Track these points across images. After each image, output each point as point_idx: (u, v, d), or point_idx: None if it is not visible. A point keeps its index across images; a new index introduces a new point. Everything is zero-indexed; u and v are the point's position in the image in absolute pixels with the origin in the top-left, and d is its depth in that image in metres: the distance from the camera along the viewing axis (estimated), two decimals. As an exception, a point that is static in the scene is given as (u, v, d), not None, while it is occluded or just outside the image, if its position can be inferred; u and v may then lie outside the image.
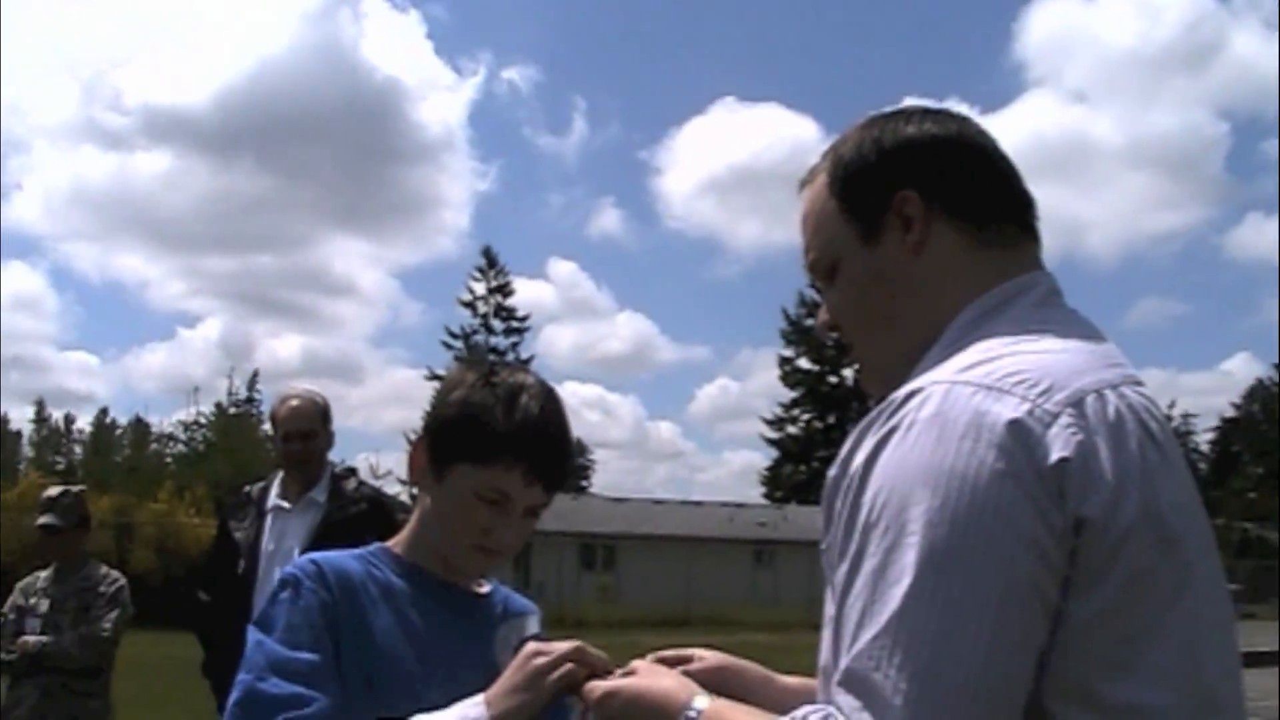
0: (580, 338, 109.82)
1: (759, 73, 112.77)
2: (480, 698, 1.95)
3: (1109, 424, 1.49)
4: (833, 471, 1.57)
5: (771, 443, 73.87)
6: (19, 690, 6.34)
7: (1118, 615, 1.44)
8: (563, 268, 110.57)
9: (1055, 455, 1.43)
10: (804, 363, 73.09)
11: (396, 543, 2.31)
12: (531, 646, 1.97)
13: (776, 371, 73.97)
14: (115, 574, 6.69)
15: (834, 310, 1.84)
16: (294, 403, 5.81)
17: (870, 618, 1.43)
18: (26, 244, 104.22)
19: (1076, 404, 1.48)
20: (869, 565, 1.45)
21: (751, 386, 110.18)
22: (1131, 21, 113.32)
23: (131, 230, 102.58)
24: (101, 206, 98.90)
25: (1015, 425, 1.44)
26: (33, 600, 6.49)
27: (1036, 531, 1.41)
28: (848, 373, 71.79)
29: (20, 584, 6.64)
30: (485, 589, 2.37)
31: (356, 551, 2.26)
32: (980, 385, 1.49)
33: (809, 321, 72.68)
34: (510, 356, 66.96)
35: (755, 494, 71.41)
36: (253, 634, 2.10)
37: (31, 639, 6.30)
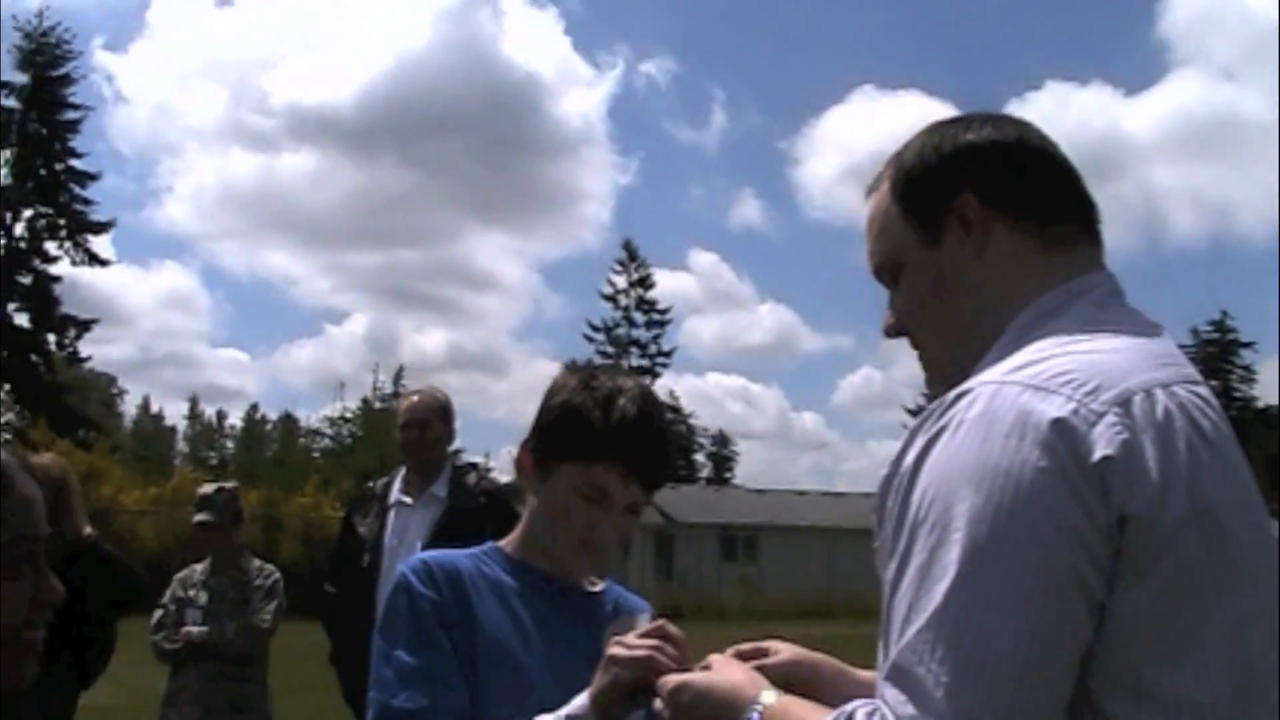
0: (722, 329, 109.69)
1: (898, 59, 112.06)
2: (587, 690, 2.03)
3: (1156, 423, 1.49)
4: (885, 471, 1.59)
5: (915, 432, 73.03)
6: (182, 678, 6.51)
7: (1165, 610, 1.44)
8: (704, 259, 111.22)
9: (1099, 453, 1.43)
10: (947, 351, 72.10)
11: (508, 542, 2.39)
12: (615, 639, 2.02)
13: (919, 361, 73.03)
14: (270, 567, 6.86)
15: (899, 313, 1.86)
16: (415, 397, 5.98)
17: (915, 613, 1.44)
18: (178, 244, 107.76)
19: (1123, 403, 1.48)
20: (916, 562, 1.47)
21: (896, 375, 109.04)
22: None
23: (278, 229, 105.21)
24: (249, 206, 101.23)
25: (1060, 424, 1.44)
26: (191, 592, 6.67)
27: (1079, 525, 1.41)
28: (992, 361, 70.81)
29: (178, 576, 6.83)
30: (598, 587, 2.44)
31: (469, 551, 2.35)
32: (1028, 385, 1.49)
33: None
34: (652, 349, 67.51)
35: (899, 484, 70.65)
36: (378, 644, 2.20)
37: (195, 629, 6.47)
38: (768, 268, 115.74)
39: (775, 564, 42.77)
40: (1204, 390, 1.60)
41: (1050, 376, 1.50)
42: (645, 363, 66.69)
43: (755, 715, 1.69)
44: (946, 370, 1.77)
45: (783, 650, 2.02)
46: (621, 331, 69.99)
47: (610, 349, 69.67)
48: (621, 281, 70.31)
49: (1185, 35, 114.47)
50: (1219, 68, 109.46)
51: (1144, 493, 1.43)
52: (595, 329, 69.96)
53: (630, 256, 70.81)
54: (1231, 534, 1.49)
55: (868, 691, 1.93)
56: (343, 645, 5.83)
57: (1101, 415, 1.46)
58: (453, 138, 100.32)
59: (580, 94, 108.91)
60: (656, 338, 69.17)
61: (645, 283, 70.54)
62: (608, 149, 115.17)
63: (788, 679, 1.82)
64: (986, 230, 1.73)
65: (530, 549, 2.36)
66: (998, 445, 1.45)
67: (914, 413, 71.64)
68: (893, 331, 1.88)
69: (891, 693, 1.44)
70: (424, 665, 2.14)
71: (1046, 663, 1.40)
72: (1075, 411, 1.46)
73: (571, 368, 2.40)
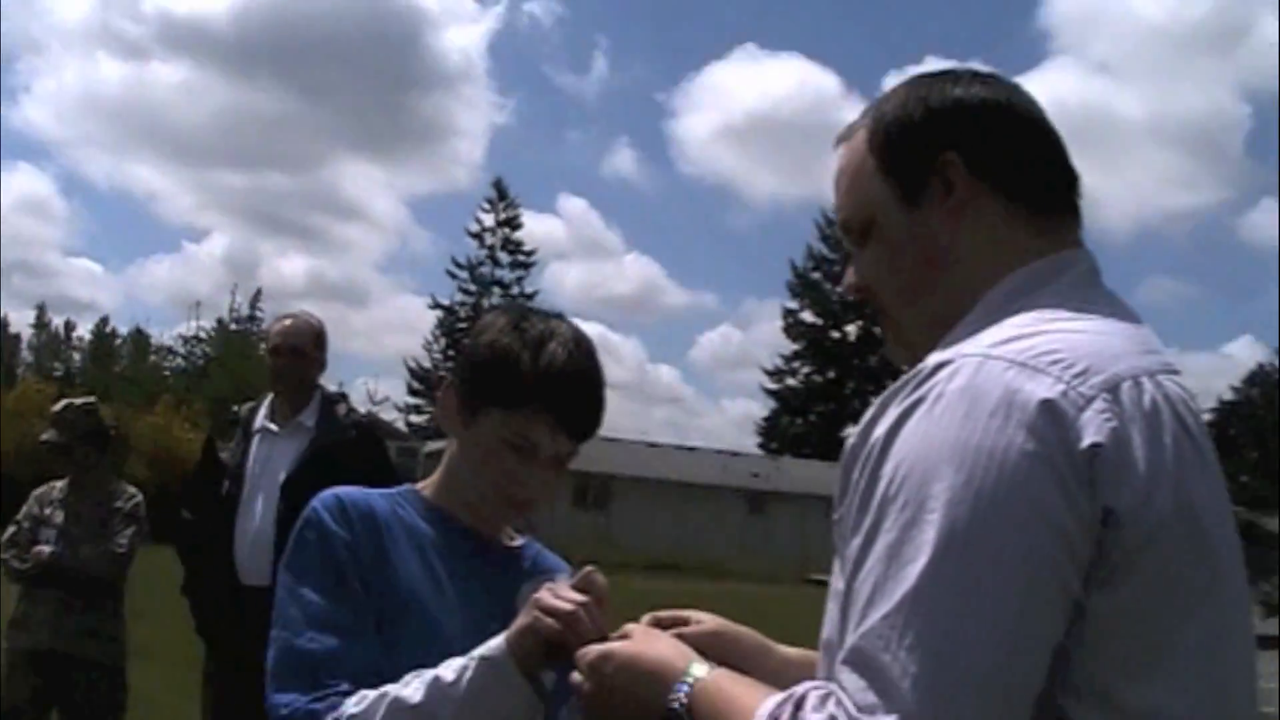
0: (587, 276, 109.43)
1: (782, 20, 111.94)
2: (503, 635, 1.92)
3: (1145, 413, 1.41)
4: (851, 440, 1.49)
5: (770, 394, 74.05)
6: (32, 602, 6.25)
7: (1142, 614, 1.36)
8: (573, 205, 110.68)
9: (1088, 440, 1.35)
10: (808, 316, 73.26)
11: (425, 485, 2.27)
12: (546, 586, 1.92)
13: (780, 323, 73.95)
14: (133, 490, 6.59)
15: (864, 273, 1.75)
16: (287, 321, 5.74)
17: (882, 596, 1.34)
18: (34, 147, 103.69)
19: (1112, 389, 1.40)
20: (884, 541, 1.36)
21: (754, 336, 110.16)
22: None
23: (143, 141, 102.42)
24: (113, 114, 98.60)
25: (1048, 406, 1.36)
26: (48, 511, 6.37)
27: (1064, 519, 1.33)
28: (850, 328, 72.07)
29: (35, 493, 6.53)
30: (517, 542, 2.32)
31: (383, 491, 2.23)
32: (1014, 361, 1.40)
33: (815, 275, 72.89)
34: (515, 290, 67.33)
35: (751, 443, 71.55)
36: (283, 580, 2.08)
37: (46, 549, 6.19)
38: (637, 219, 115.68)
39: (626, 515, 42.94)
40: (1184, 383, 1.52)
41: (1038, 354, 1.41)
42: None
43: (683, 691, 1.58)
44: (912, 338, 1.68)
45: (705, 620, 1.92)
46: (486, 270, 69.92)
47: (473, 287, 69.53)
48: (489, 220, 70.26)
49: (1066, 25, 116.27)
50: (1094, 61, 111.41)
51: (1131, 486, 1.35)
52: (459, 266, 69.87)
53: (500, 196, 70.72)
54: (1212, 537, 1.42)
55: (794, 669, 1.85)
56: (197, 575, 5.62)
57: (1091, 400, 1.37)
58: (330, 63, 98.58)
59: (462, 28, 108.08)
60: (520, 279, 69.08)
61: (513, 223, 70.54)
62: (485, 86, 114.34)
63: (708, 652, 1.70)
64: (968, 193, 1.62)
65: (449, 496, 2.23)
66: (981, 423, 1.35)
67: (771, 373, 73.01)
68: (854, 292, 1.77)
69: (850, 678, 1.33)
70: (333, 609, 2.01)
71: (1021, 661, 1.31)
72: (1064, 394, 1.37)
73: (502, 307, 2.26)
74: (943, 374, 1.41)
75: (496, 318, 2.19)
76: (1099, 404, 1.37)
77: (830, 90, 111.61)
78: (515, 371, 2.08)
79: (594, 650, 1.73)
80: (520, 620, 1.90)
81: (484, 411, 2.12)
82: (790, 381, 73.61)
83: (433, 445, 41.62)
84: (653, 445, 51.45)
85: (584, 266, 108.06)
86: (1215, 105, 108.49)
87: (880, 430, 1.43)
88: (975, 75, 1.71)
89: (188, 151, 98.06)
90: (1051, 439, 1.33)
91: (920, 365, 1.46)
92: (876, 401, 1.49)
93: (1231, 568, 1.46)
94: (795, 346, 73.48)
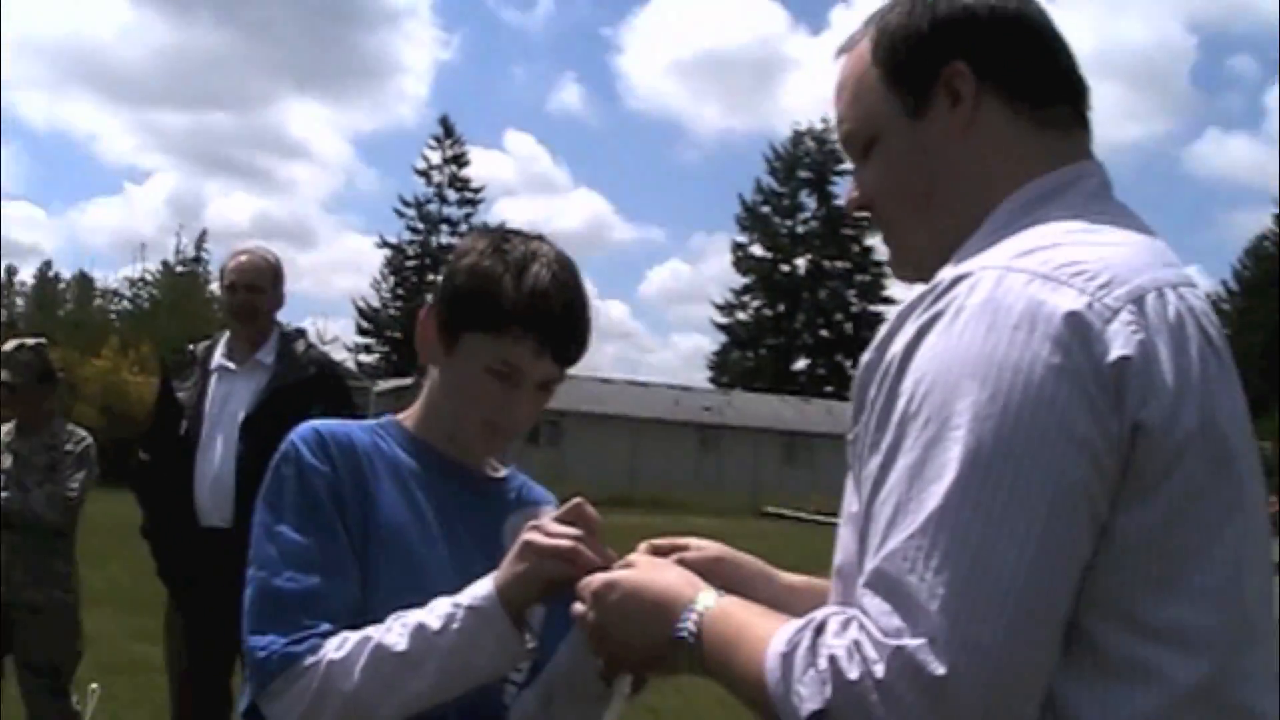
0: (535, 212, 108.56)
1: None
2: (490, 578, 1.86)
3: (1170, 325, 1.37)
4: (867, 356, 1.44)
5: (721, 328, 74.17)
6: None
7: (1168, 531, 1.33)
8: (521, 141, 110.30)
9: (1116, 353, 1.31)
10: (757, 250, 73.31)
11: (406, 416, 2.20)
12: (531, 524, 1.87)
13: (729, 257, 73.93)
14: (83, 433, 6.43)
15: (867, 188, 1.69)
16: (243, 257, 5.59)
17: (905, 516, 1.30)
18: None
19: (1137, 301, 1.36)
20: (906, 460, 1.32)
21: (704, 271, 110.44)
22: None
23: (82, 81, 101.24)
24: (50, 54, 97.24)
25: (1074, 318, 1.31)
26: (-5, 455, 6.23)
27: (1091, 435, 1.29)
28: (800, 261, 72.19)
29: None
30: (501, 473, 2.26)
31: (364, 423, 2.16)
32: (1036, 274, 1.35)
33: (765, 209, 72.79)
34: (463, 227, 66.80)
35: (702, 378, 71.71)
36: (260, 518, 1.99)
37: None
38: (584, 155, 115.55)
39: (579, 451, 42.90)
40: (1203, 296, 1.48)
41: (1059, 266, 1.36)
42: (455, 240, 65.81)
43: (692, 619, 1.53)
44: (919, 253, 1.63)
45: (706, 547, 1.87)
46: (433, 208, 69.59)
47: (421, 225, 69.17)
48: (436, 158, 69.90)
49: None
50: None
51: (1159, 401, 1.32)
52: (407, 204, 69.54)
53: (446, 133, 70.28)
54: (1236, 454, 1.39)
55: (797, 597, 1.80)
56: (157, 517, 5.52)
57: (1116, 312, 1.34)
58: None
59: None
60: (468, 216, 68.67)
61: (460, 160, 70.19)
62: (430, 22, 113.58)
63: (709, 579, 1.64)
64: (977, 104, 1.57)
65: (431, 427, 2.15)
66: (1005, 337, 1.30)
67: (721, 308, 73.09)
68: (855, 207, 1.71)
69: (873, 602, 1.29)
70: (313, 547, 1.93)
71: (1051, 582, 1.27)
72: (1089, 306, 1.33)
73: (482, 230, 2.18)
74: (962, 287, 1.36)
75: (476, 240, 2.12)
76: (1125, 316, 1.33)
77: (778, 23, 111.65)
78: (498, 294, 2.01)
79: (598, 579, 1.68)
80: (512, 566, 1.84)
81: (465, 337, 2.05)
82: (740, 315, 73.76)
83: (384, 384, 41.50)
84: (605, 381, 51.37)
85: (532, 202, 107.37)
86: (1161, 36, 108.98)
87: (898, 346, 1.38)
88: None
89: (128, 91, 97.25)
90: (1078, 352, 1.29)
91: (937, 279, 1.41)
92: (892, 316, 1.44)
93: (1254, 484, 1.43)
94: (745, 280, 73.60)
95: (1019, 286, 1.33)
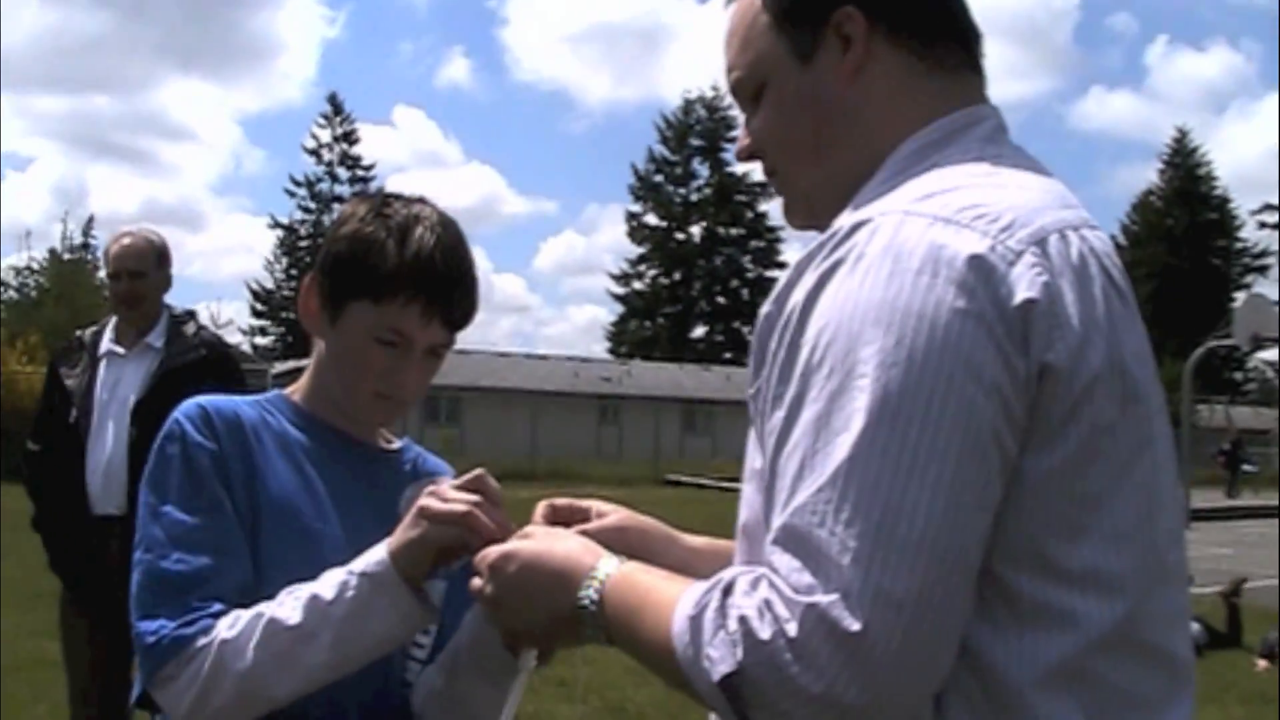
0: (426, 188, 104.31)
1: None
2: (383, 545, 1.82)
3: (1073, 267, 1.36)
4: (766, 308, 1.41)
5: (617, 298, 74.18)
6: None
7: (1077, 473, 1.32)
8: (410, 116, 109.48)
9: (1020, 296, 1.29)
10: (651, 219, 73.42)
11: (294, 390, 2.14)
12: (429, 489, 1.83)
13: (623, 227, 73.96)
14: None
15: (758, 135, 1.66)
16: (125, 240, 5.42)
17: (812, 469, 1.27)
18: None
19: (1040, 243, 1.34)
20: (810, 411, 1.29)
21: (598, 242, 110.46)
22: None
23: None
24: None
25: (977, 261, 1.29)
26: None
27: (999, 378, 1.27)
28: (695, 230, 72.34)
29: None
30: (395, 445, 2.21)
31: (250, 398, 2.09)
32: (937, 217, 1.33)
33: (657, 178, 72.82)
34: (355, 206, 66.08)
35: (600, 349, 71.70)
36: (145, 499, 1.92)
37: None
38: (474, 129, 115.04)
39: (478, 426, 42.68)
40: (1105, 237, 1.47)
41: (959, 209, 1.34)
42: (348, 221, 65.32)
43: (593, 588, 1.49)
44: (812, 200, 1.61)
45: (609, 513, 1.83)
46: (324, 187, 69.06)
47: (313, 205, 68.47)
48: (325, 136, 69.37)
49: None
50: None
51: (1065, 341, 1.30)
52: (297, 184, 68.97)
53: (335, 111, 69.79)
54: (1143, 393, 1.39)
55: (702, 560, 1.78)
56: (48, 508, 5.39)
57: (1019, 254, 1.32)
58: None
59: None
60: (360, 194, 67.80)
61: (350, 138, 69.79)
62: (315, 0, 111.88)
63: (615, 547, 1.60)
64: (867, 48, 1.55)
65: (320, 401, 2.10)
66: (908, 282, 1.28)
67: (616, 278, 73.10)
68: (746, 154, 1.69)
69: (783, 559, 1.26)
70: (200, 526, 1.87)
71: (964, 529, 1.25)
72: (992, 249, 1.31)
73: (360, 196, 2.12)
74: (861, 234, 1.34)
75: (356, 206, 2.06)
76: (1028, 258, 1.31)
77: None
78: (381, 260, 1.96)
79: (494, 551, 1.63)
80: (405, 531, 1.80)
81: (350, 306, 1.99)
82: (636, 285, 73.84)
83: (281, 366, 40.97)
84: (502, 355, 51.21)
85: (423, 178, 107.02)
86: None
87: (798, 296, 1.36)
88: None
89: (5, 76, 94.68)
90: (982, 295, 1.28)
91: (835, 226, 1.38)
92: (791, 266, 1.41)
93: (1161, 424, 1.42)
94: (640, 250, 73.66)
95: (920, 231, 1.31)
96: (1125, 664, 1.34)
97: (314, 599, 1.79)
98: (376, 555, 1.80)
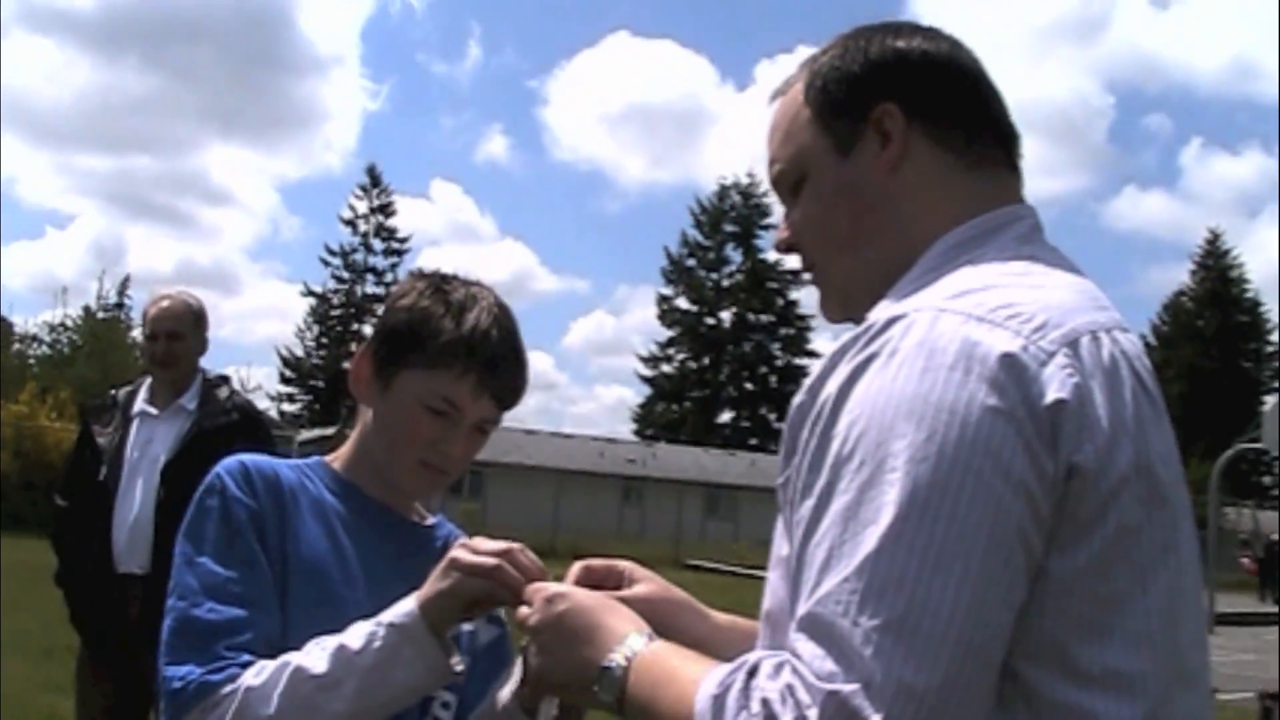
0: (460, 262, 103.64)
1: (654, 8, 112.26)
2: (412, 596, 1.85)
3: (1104, 368, 1.37)
4: (799, 399, 1.42)
5: (645, 380, 74.22)
6: None
7: (1101, 574, 1.32)
8: (447, 191, 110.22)
9: (1051, 396, 1.30)
10: (682, 302, 73.64)
11: (334, 458, 2.17)
12: (461, 542, 1.87)
13: (654, 309, 74.18)
14: None
15: (796, 227, 1.69)
16: (165, 302, 5.49)
17: (839, 560, 1.27)
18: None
19: (1072, 344, 1.36)
20: (840, 503, 1.30)
21: (628, 323, 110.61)
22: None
23: (5, 122, 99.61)
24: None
25: (1009, 360, 1.31)
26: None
27: (1027, 476, 1.28)
28: (725, 315, 72.49)
29: None
30: (429, 521, 2.23)
31: (290, 461, 2.12)
32: (971, 315, 1.35)
33: (690, 262, 73.09)
34: (389, 277, 66.81)
35: (626, 430, 71.70)
36: (181, 549, 1.94)
37: None
38: (510, 205, 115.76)
39: (501, 502, 42.62)
40: (1137, 339, 1.48)
41: (994, 308, 1.36)
42: (381, 290, 65.84)
43: (622, 656, 1.50)
44: (848, 293, 1.64)
45: (641, 583, 1.84)
46: (359, 257, 69.38)
47: (346, 274, 68.87)
48: (362, 207, 69.78)
49: (934, 11, 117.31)
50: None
51: (1094, 443, 1.31)
52: (332, 253, 69.27)
53: (373, 182, 70.25)
54: (1170, 495, 1.39)
55: (724, 634, 1.79)
56: (72, 563, 5.41)
57: (1051, 355, 1.33)
58: (200, 44, 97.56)
59: (335, 13, 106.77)
60: (394, 266, 68.51)
61: (386, 210, 70.13)
62: (358, 72, 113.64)
63: (646, 613, 1.63)
64: (906, 144, 1.58)
65: (360, 470, 2.13)
66: (941, 378, 1.29)
67: (645, 360, 73.20)
68: (785, 247, 1.72)
69: (807, 646, 1.26)
70: (234, 579, 1.89)
71: (987, 627, 1.25)
72: (1024, 348, 1.32)
73: (419, 273, 2.17)
74: (896, 328, 1.35)
75: (415, 282, 2.12)
76: (1060, 359, 1.33)
77: (703, 76, 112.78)
78: (438, 331, 2.01)
79: (552, 587, 1.67)
80: (435, 583, 1.82)
81: (403, 375, 2.03)
82: (665, 368, 73.94)
83: (307, 434, 41.10)
84: (529, 432, 51.21)
85: (457, 252, 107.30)
86: (1079, 93, 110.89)
87: (831, 387, 1.37)
88: (917, 28, 1.67)
89: (51, 134, 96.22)
90: (1014, 394, 1.29)
91: (870, 320, 1.40)
92: (824, 358, 1.42)
93: (1187, 527, 1.43)
94: (670, 333, 73.87)
95: (954, 327, 1.33)
96: None
97: (340, 649, 1.81)
98: (405, 606, 1.82)
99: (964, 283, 1.42)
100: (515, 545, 1.83)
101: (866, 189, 1.59)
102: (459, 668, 1.86)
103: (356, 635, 1.82)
